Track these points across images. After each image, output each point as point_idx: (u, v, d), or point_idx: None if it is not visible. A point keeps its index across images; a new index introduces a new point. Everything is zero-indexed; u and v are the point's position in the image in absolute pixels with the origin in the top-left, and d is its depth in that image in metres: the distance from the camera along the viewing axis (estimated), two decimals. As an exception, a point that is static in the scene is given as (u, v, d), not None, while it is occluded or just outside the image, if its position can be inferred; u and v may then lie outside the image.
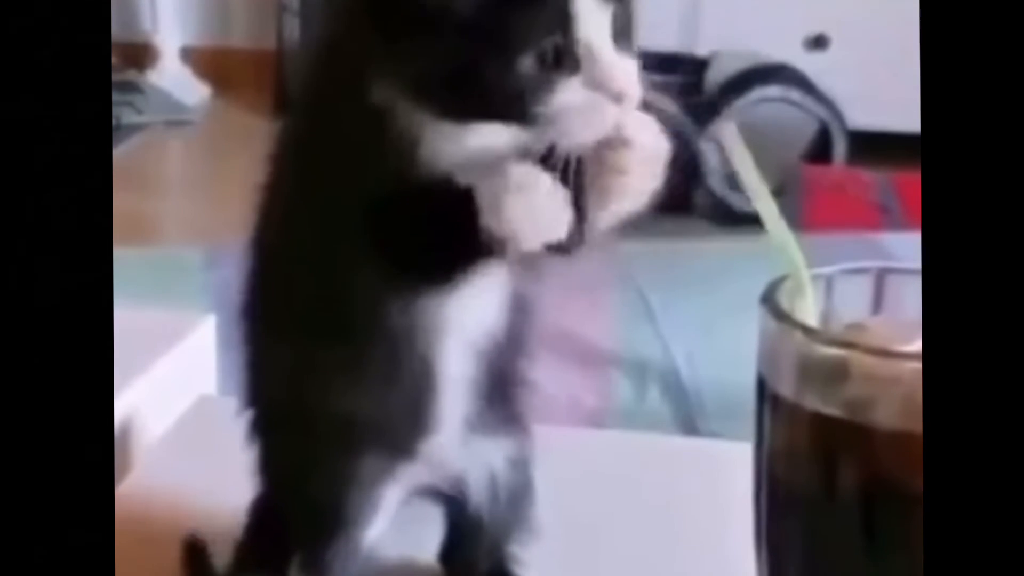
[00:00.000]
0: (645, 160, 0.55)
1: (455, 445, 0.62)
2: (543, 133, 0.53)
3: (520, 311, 0.61)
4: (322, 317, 0.58)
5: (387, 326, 0.57)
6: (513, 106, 0.52)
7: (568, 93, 0.53)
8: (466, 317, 0.58)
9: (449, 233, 0.53)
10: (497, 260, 0.55)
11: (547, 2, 0.52)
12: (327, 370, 0.59)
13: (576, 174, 0.54)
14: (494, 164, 0.53)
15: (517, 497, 0.65)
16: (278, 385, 0.62)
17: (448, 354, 0.59)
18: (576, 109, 0.53)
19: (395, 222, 0.54)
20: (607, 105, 0.53)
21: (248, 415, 0.64)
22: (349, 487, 0.60)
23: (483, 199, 0.53)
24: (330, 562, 0.61)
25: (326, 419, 0.59)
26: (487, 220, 0.52)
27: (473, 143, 0.54)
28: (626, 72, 0.53)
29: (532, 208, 0.52)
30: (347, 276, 0.56)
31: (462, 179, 0.54)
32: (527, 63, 0.52)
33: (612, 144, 0.54)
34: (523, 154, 0.54)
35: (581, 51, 0.52)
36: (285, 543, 0.63)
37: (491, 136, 0.54)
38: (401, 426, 0.60)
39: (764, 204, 0.51)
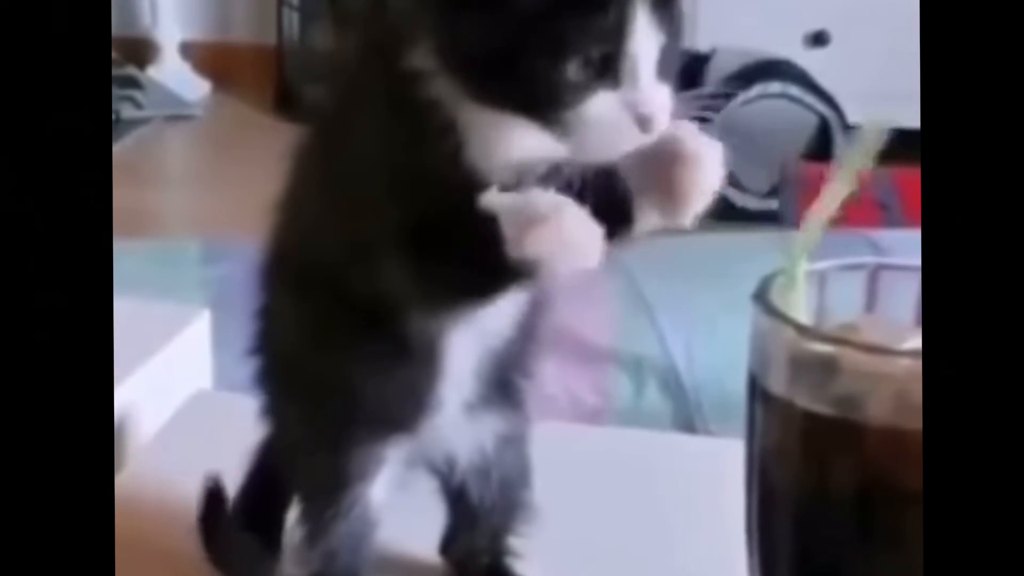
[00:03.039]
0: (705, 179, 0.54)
1: (452, 425, 0.62)
2: (564, 142, 0.52)
3: (535, 308, 0.61)
4: (339, 293, 0.58)
5: (404, 317, 0.57)
6: (544, 104, 0.52)
7: (600, 105, 0.52)
8: (482, 317, 0.59)
9: (478, 259, 0.53)
10: (526, 285, 0.56)
11: (609, 12, 0.51)
12: (335, 342, 0.59)
13: (591, 192, 0.53)
14: (518, 194, 0.53)
15: (512, 478, 0.65)
16: (286, 344, 0.63)
17: (458, 346, 0.59)
18: (601, 123, 0.52)
19: (431, 237, 0.54)
20: (632, 128, 0.52)
21: (254, 361, 0.65)
22: (346, 450, 0.61)
23: (508, 230, 0.52)
24: (330, 522, 0.62)
25: (328, 387, 0.60)
26: (512, 251, 0.52)
27: (503, 136, 0.53)
28: (660, 101, 0.53)
29: (561, 237, 0.52)
30: (374, 269, 0.56)
31: (495, 179, 0.53)
32: (572, 66, 0.51)
33: (681, 160, 0.54)
34: (547, 170, 0.53)
35: (626, 68, 0.52)
36: (284, 489, 0.65)
37: (519, 134, 0.53)
38: (401, 405, 0.60)
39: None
